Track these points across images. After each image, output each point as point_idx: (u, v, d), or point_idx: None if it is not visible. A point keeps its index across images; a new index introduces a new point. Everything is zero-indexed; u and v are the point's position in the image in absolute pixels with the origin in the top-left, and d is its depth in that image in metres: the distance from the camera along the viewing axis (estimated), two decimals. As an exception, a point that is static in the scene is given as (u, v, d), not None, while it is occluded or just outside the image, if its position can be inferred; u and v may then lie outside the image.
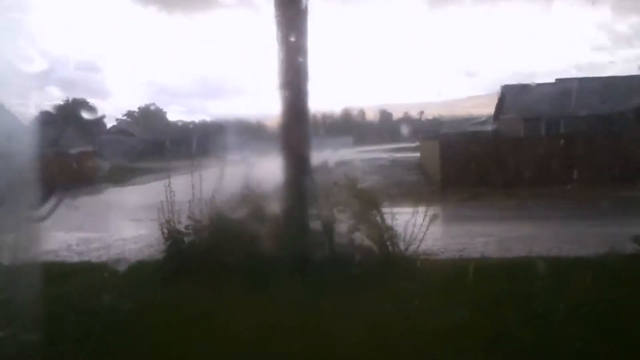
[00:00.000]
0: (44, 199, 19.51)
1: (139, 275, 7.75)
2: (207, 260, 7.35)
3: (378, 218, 7.97)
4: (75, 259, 9.62)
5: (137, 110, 67.98)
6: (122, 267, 8.08)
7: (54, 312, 6.08)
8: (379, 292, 6.78)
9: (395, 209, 8.25)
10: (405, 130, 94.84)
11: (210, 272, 7.16)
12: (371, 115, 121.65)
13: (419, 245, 8.01)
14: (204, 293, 6.84)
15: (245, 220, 7.80)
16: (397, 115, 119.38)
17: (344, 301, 6.47)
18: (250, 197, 7.95)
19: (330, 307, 6.26)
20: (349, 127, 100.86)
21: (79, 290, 7.29)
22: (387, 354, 5.02)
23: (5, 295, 6.58)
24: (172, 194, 8.06)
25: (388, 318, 5.92)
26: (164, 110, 66.75)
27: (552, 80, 32.42)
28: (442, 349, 5.10)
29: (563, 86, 29.67)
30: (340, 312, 6.07)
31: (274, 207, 7.85)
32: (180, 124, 62.99)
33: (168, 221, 7.89)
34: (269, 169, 9.74)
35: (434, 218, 7.99)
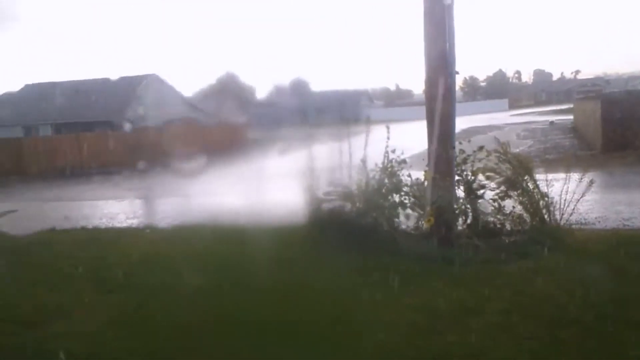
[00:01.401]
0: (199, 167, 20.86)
1: (284, 239, 7.91)
2: (345, 227, 7.32)
3: (531, 184, 7.46)
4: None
5: (281, 83, 69.90)
6: (262, 230, 8.32)
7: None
8: (535, 264, 6.34)
9: (551, 175, 7.70)
10: (564, 90, 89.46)
11: (349, 238, 7.11)
12: (528, 77, 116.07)
13: (577, 214, 7.39)
14: (342, 259, 6.83)
15: (384, 187, 7.63)
16: (556, 75, 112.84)
17: (504, 273, 6.15)
18: (391, 164, 7.76)
19: (494, 281, 5.92)
20: (504, 90, 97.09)
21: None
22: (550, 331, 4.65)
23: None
24: (314, 161, 8.11)
25: (550, 291, 5.50)
26: (309, 81, 68.01)
27: None
28: (609, 324, 4.64)
29: None
30: (506, 286, 5.73)
31: (417, 174, 7.60)
32: (325, 92, 63.95)
33: (311, 187, 7.95)
34: (413, 136, 9.50)
35: (591, 184, 7.33)
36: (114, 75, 43.56)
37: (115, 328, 5.28)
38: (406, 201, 7.53)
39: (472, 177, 7.50)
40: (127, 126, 31.79)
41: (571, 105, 40.90)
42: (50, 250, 8.86)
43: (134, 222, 11.93)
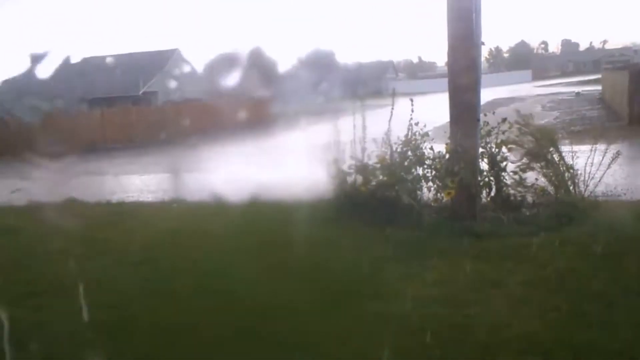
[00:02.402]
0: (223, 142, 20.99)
1: (308, 213, 7.95)
2: (369, 201, 7.33)
3: (556, 156, 7.40)
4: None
5: (304, 56, 69.36)
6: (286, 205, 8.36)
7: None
8: (559, 236, 6.27)
9: (576, 147, 7.61)
10: (592, 61, 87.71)
11: (372, 213, 7.13)
12: (554, 47, 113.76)
13: (603, 186, 7.33)
14: (364, 233, 6.86)
15: (407, 160, 7.61)
16: (584, 45, 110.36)
17: (526, 246, 6.08)
18: (414, 137, 7.71)
19: (517, 254, 5.89)
20: (528, 60, 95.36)
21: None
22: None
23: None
24: (339, 134, 8.09)
25: (574, 264, 5.46)
26: (332, 53, 67.45)
27: None
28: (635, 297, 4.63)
29: None
30: (529, 259, 5.71)
31: (439, 147, 7.58)
32: (349, 65, 63.45)
33: (335, 161, 7.95)
34: (435, 108, 9.43)
35: (618, 155, 7.24)
36: (137, 50, 43.77)
37: (143, 300, 5.39)
38: (428, 174, 7.52)
39: (496, 150, 7.46)
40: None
41: (598, 76, 40.11)
42: (76, 223, 9.02)
43: (160, 196, 12.04)
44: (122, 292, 5.57)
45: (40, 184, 14.23)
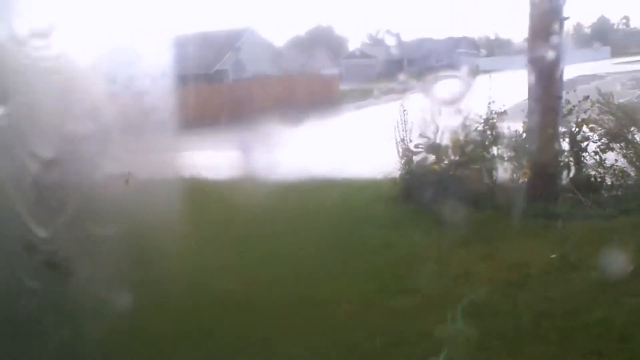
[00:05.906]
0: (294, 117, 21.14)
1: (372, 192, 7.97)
2: (441, 180, 7.27)
3: (638, 136, 7.10)
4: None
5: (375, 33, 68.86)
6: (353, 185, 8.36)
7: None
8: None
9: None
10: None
11: (443, 192, 7.06)
12: (637, 22, 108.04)
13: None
14: (437, 213, 6.80)
15: (487, 139, 7.49)
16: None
17: (606, 229, 5.93)
18: (492, 114, 7.56)
19: (596, 237, 5.73)
20: (607, 37, 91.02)
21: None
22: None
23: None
24: (406, 113, 8.04)
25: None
26: (402, 31, 66.49)
27: None
28: None
29: None
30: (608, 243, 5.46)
31: (515, 126, 7.41)
32: (418, 43, 62.49)
33: (402, 140, 7.91)
34: (510, 86, 9.19)
35: None
36: (210, 28, 44.32)
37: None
38: (505, 154, 7.38)
39: (577, 129, 7.22)
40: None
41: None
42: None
43: (232, 173, 12.18)
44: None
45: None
